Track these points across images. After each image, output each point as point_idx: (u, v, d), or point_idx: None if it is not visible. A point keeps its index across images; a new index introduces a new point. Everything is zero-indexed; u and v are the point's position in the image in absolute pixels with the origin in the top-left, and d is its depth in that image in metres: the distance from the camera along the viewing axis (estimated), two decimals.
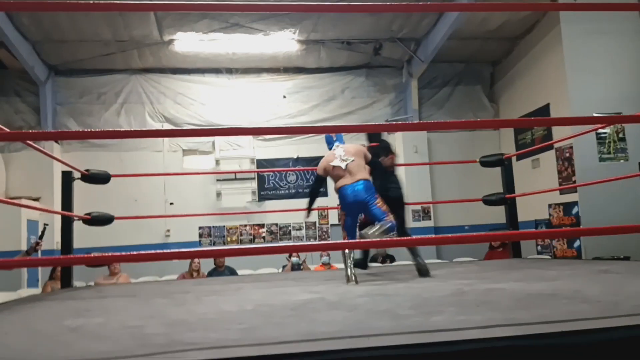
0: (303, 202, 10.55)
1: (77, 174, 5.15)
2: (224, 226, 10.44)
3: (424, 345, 1.56)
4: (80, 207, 5.34)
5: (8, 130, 3.73)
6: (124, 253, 1.99)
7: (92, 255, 2.05)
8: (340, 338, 1.75)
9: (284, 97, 10.87)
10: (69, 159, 5.53)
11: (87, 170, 5.16)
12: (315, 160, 10.83)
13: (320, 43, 10.14)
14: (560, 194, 8.90)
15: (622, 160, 8.53)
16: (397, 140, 10.90)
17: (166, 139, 10.44)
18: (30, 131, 8.96)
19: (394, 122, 10.76)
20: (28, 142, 3.89)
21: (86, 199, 6.88)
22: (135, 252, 1.92)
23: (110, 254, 2.19)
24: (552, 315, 2.02)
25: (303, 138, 10.76)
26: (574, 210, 8.64)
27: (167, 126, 10.47)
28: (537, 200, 8.85)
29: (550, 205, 9.28)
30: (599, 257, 6.95)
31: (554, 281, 3.23)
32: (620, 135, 8.60)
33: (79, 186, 5.28)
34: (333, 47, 10.26)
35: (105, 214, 5.23)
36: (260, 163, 10.63)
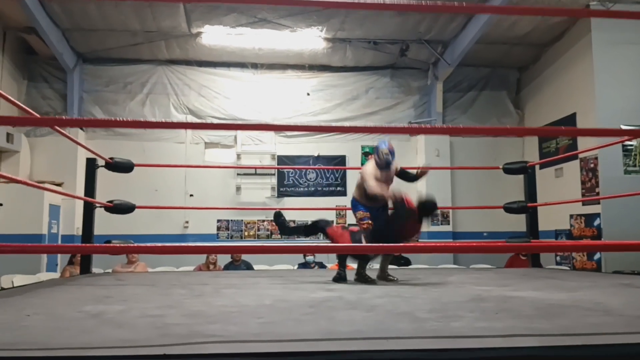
0: (322, 201, 10.55)
1: (101, 162, 5.20)
2: (242, 220, 10.48)
3: (445, 350, 1.54)
4: (101, 195, 5.40)
5: (37, 115, 3.78)
6: (147, 244, 2.00)
7: (115, 245, 2.07)
8: (360, 339, 1.74)
9: (308, 94, 10.87)
10: (92, 147, 5.59)
11: (111, 158, 5.22)
12: (336, 159, 10.86)
13: (346, 42, 10.11)
14: (583, 204, 8.78)
15: None
16: (419, 143, 10.84)
17: (189, 131, 10.51)
18: (58, 117, 9.06)
19: (418, 125, 10.71)
20: (58, 129, 3.95)
21: (107, 186, 6.95)
22: (159, 244, 1.94)
23: (131, 244, 2.21)
24: (574, 327, 2.00)
25: (324, 136, 10.76)
26: (596, 222, 8.52)
27: (190, 118, 10.53)
28: (558, 209, 8.75)
29: (571, 216, 9.16)
30: (619, 270, 6.85)
31: (575, 292, 3.19)
32: None
33: (100, 173, 5.34)
34: (359, 47, 10.23)
35: (127, 203, 5.28)
36: (281, 159, 10.64)
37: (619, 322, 2.14)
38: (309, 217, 10.27)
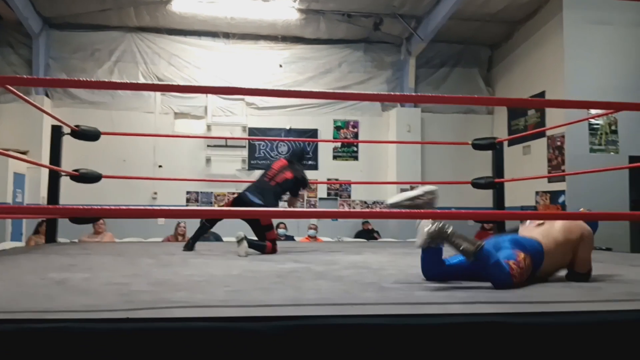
0: None
1: (66, 129, 5.09)
2: (212, 192, 10.42)
3: (407, 316, 1.57)
4: (68, 165, 5.30)
5: None
6: (115, 207, 1.97)
7: (80, 207, 2.04)
8: (325, 305, 1.76)
9: (280, 66, 10.77)
10: (59, 115, 5.45)
11: (77, 126, 5.11)
12: (308, 132, 10.82)
13: (320, 13, 10.02)
14: (549, 181, 8.96)
15: (612, 153, 8.59)
16: (391, 118, 10.88)
17: (158, 101, 10.34)
18: (15, 76, 8.80)
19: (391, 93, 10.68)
20: (16, 92, 3.83)
21: (74, 156, 6.82)
22: (124, 207, 1.91)
23: (99, 207, 2.17)
24: (534, 296, 2.05)
25: (296, 109, 10.71)
26: (561, 199, 8.71)
27: None
28: (525, 186, 8.91)
29: (537, 193, 9.34)
30: None
31: None
32: (613, 127, 8.65)
33: (67, 143, 5.23)
34: (333, 19, 10.14)
35: (93, 172, 5.19)
36: (252, 132, 10.57)
37: (577, 292, 2.21)
38: None
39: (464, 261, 2.33)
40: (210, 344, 1.42)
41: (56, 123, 5.13)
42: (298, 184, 4.46)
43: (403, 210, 2.49)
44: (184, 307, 1.67)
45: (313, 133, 10.75)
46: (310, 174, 10.31)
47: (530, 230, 2.57)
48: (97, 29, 10.28)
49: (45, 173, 6.03)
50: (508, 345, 1.54)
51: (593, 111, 7.84)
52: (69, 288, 2.13)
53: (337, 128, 11.00)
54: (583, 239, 2.52)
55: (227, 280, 2.42)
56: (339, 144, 11.02)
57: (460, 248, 2.22)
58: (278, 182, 4.34)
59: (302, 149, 4.93)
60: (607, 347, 1.60)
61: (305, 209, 9.36)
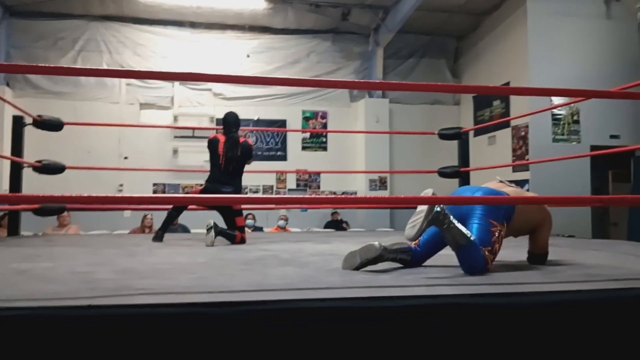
0: (261, 165, 10.48)
1: (28, 120, 4.99)
2: (179, 184, 10.31)
3: (371, 299, 1.60)
4: (30, 157, 5.19)
5: None
6: (82, 195, 1.94)
7: (43, 195, 2.01)
8: (290, 290, 1.78)
9: (248, 56, 10.68)
10: (21, 105, 5.32)
11: (39, 115, 5.01)
12: (276, 123, 10.79)
13: (288, 3, 9.96)
14: (513, 171, 9.12)
15: (574, 142, 8.80)
16: (359, 109, 10.92)
17: (123, 91, 10.16)
18: None
19: (358, 92, 10.70)
20: None
21: (37, 148, 6.67)
22: (87, 195, 1.88)
23: (62, 195, 2.14)
24: (496, 278, 2.11)
25: (264, 100, 10.66)
26: (525, 188, 8.88)
27: (125, 78, 10.16)
28: (489, 175, 8.99)
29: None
30: None
31: (502, 250, 3.34)
32: (575, 117, 8.86)
33: (29, 135, 5.13)
34: (301, 9, 10.10)
35: (56, 163, 5.11)
36: (220, 122, 10.46)
37: (537, 274, 2.27)
38: (249, 182, 10.26)
39: (433, 240, 2.43)
40: (173, 329, 1.42)
41: (18, 113, 5.03)
42: (247, 156, 4.60)
43: (373, 197, 2.54)
44: (148, 294, 1.66)
45: (281, 124, 10.72)
46: (279, 165, 10.36)
47: (500, 187, 2.69)
48: (60, 17, 10.03)
49: (6, 165, 5.90)
50: (470, 326, 1.57)
51: (556, 101, 8.03)
52: (31, 277, 2.10)
53: (306, 119, 10.99)
54: (546, 220, 2.66)
55: (193, 268, 2.42)
56: (307, 135, 11.02)
57: (452, 238, 2.21)
58: (232, 164, 4.49)
59: (234, 116, 4.85)
60: (565, 325, 1.65)
61: (273, 196, 9.35)
